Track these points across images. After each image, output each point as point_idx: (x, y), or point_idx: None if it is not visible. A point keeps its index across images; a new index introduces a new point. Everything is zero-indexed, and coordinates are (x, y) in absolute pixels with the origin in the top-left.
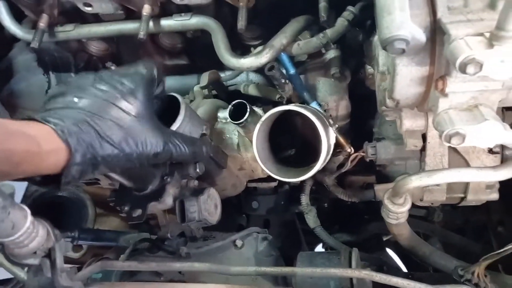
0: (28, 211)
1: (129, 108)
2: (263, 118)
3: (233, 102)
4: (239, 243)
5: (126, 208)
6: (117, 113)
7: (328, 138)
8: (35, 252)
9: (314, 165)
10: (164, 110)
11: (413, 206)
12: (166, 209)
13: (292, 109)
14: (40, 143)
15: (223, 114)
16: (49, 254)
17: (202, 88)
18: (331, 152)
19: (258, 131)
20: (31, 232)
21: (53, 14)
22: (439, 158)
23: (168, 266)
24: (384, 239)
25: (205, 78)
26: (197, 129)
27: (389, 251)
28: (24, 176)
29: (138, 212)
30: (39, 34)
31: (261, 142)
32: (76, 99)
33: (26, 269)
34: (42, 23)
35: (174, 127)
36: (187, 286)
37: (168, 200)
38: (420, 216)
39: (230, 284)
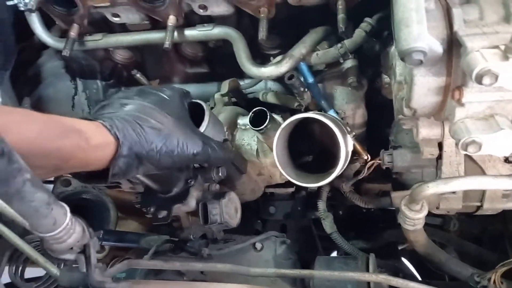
0: (68, 209)
1: (170, 112)
2: (283, 125)
3: (254, 109)
4: (258, 246)
5: (152, 210)
6: (160, 115)
7: (346, 145)
8: (71, 248)
9: (332, 171)
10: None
11: (429, 214)
12: (190, 211)
13: (312, 116)
14: (89, 138)
15: (243, 121)
16: (84, 250)
17: (223, 95)
18: (348, 158)
19: (278, 137)
20: (69, 229)
21: (83, 24)
22: (455, 167)
23: (191, 266)
24: (400, 248)
25: (225, 86)
26: (219, 135)
27: (404, 260)
28: (72, 171)
29: (164, 213)
30: (70, 43)
31: (280, 148)
32: (122, 106)
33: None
34: (73, 32)
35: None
36: (209, 285)
37: (191, 202)
38: (436, 225)
39: (250, 284)
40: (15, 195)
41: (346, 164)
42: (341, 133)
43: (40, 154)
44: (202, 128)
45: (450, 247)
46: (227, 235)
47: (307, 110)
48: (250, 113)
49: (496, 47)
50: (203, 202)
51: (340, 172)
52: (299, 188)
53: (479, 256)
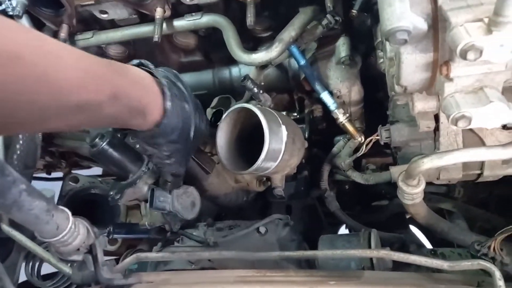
0: (69, 213)
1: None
2: (223, 116)
3: (214, 109)
4: (262, 230)
5: (112, 193)
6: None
7: (275, 134)
8: (78, 249)
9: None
10: None
11: (433, 184)
12: (143, 197)
13: (244, 106)
14: (148, 115)
15: None
16: (90, 250)
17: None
18: (283, 148)
19: (220, 129)
20: (73, 232)
21: (72, 23)
22: (453, 137)
23: (198, 255)
24: (407, 216)
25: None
26: None
27: (413, 228)
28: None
29: (117, 196)
30: None
31: (225, 140)
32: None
33: (69, 264)
34: (63, 33)
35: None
36: (217, 272)
37: (143, 187)
38: (441, 193)
39: (256, 268)
40: (13, 206)
41: (281, 155)
42: (269, 123)
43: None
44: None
45: (457, 213)
46: (232, 221)
47: (302, 90)
48: (212, 110)
49: (481, 20)
50: (152, 188)
51: (263, 162)
52: (300, 169)
53: (487, 221)
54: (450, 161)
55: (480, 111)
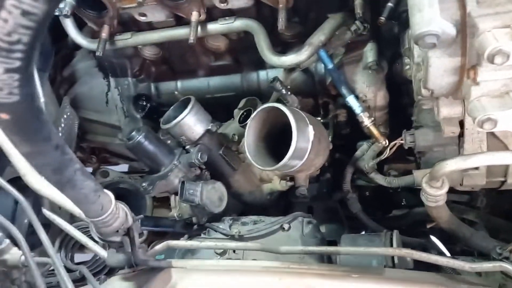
0: (112, 196)
1: None
2: (252, 115)
3: (244, 109)
4: (286, 226)
5: (144, 184)
6: None
7: (303, 133)
8: (117, 231)
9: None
10: None
11: (455, 191)
12: (173, 189)
13: (274, 105)
14: None
15: None
16: (128, 233)
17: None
18: (309, 147)
19: (249, 127)
20: (114, 213)
21: (113, 25)
22: (477, 144)
23: (225, 245)
24: (428, 226)
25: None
26: (202, 124)
27: (433, 238)
28: None
29: (150, 188)
30: (102, 43)
31: (253, 138)
32: None
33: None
34: (104, 33)
35: (179, 117)
36: (243, 262)
37: (174, 180)
38: (464, 202)
39: (280, 261)
40: (68, 183)
41: (307, 153)
42: (297, 122)
43: None
44: (184, 114)
45: (480, 223)
46: (256, 217)
47: (328, 95)
48: (240, 112)
49: (508, 26)
50: (183, 180)
51: (290, 159)
52: (323, 170)
53: (510, 232)
54: (474, 163)
55: (505, 114)
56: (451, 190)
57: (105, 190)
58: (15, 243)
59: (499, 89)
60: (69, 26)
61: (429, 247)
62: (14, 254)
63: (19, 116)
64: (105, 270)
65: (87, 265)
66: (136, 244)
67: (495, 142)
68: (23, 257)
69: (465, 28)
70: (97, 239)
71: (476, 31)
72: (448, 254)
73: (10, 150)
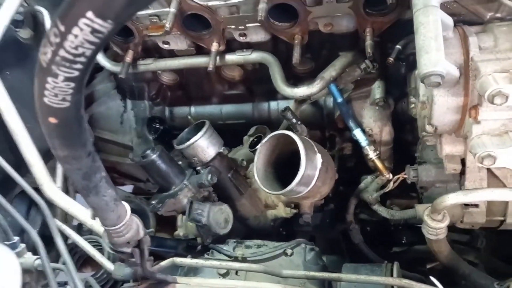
0: (128, 207)
1: None
2: (263, 141)
3: (254, 136)
4: (289, 251)
5: (153, 202)
6: None
7: (310, 160)
8: (128, 242)
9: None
10: None
11: (456, 230)
12: (181, 209)
13: (284, 133)
14: None
15: None
16: (138, 245)
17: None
18: (316, 175)
19: (259, 152)
20: (128, 224)
21: (137, 50)
22: (478, 182)
23: (229, 265)
24: (428, 266)
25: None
26: (214, 147)
27: (433, 279)
28: None
29: (159, 205)
30: (126, 67)
31: (263, 163)
32: None
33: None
34: (128, 57)
35: (194, 138)
36: (246, 283)
37: (182, 200)
38: (464, 242)
39: (282, 285)
40: (93, 189)
41: (314, 180)
42: (306, 149)
43: None
44: (197, 136)
45: (479, 264)
46: (260, 241)
47: (334, 128)
48: (251, 138)
49: (507, 71)
50: (191, 200)
51: (297, 184)
52: (327, 201)
53: (510, 274)
54: (475, 198)
55: (504, 152)
56: (452, 229)
57: (123, 202)
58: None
59: (498, 128)
60: None
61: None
62: (28, 259)
63: (65, 121)
64: (108, 284)
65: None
66: (146, 256)
67: (495, 181)
68: (36, 262)
69: (468, 71)
70: (108, 249)
71: (478, 74)
72: None
73: (31, 160)
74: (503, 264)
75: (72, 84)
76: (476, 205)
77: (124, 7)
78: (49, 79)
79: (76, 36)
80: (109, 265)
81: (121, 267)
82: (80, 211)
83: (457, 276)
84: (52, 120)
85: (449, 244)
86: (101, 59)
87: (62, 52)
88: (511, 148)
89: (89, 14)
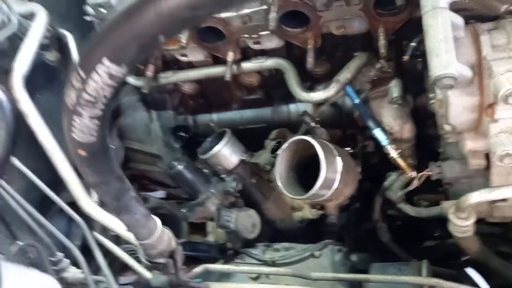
0: (159, 221)
1: None
2: (283, 147)
3: (275, 140)
4: (317, 253)
5: (184, 211)
6: None
7: (330, 163)
8: (161, 253)
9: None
10: None
11: (488, 223)
12: (210, 215)
13: (303, 138)
14: None
15: None
16: (171, 255)
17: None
18: (337, 178)
19: (280, 157)
20: (160, 237)
21: (157, 64)
22: (504, 177)
23: (259, 270)
24: (463, 259)
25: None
26: (237, 155)
27: (471, 270)
28: None
29: (189, 213)
30: (148, 80)
31: (284, 168)
32: None
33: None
34: (150, 72)
35: (216, 148)
36: (276, 287)
37: (210, 207)
38: (497, 234)
39: (311, 287)
40: (123, 209)
41: (336, 183)
42: (325, 153)
43: None
44: (220, 145)
45: None
46: (288, 244)
47: (355, 127)
48: (272, 143)
49: None
50: (219, 208)
51: (319, 188)
52: (353, 200)
53: None
54: (499, 195)
55: None
56: (484, 222)
57: (153, 216)
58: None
59: None
60: None
61: (461, 279)
62: (72, 273)
63: (93, 153)
64: None
65: (133, 284)
66: (179, 266)
67: None
68: (79, 275)
69: (481, 70)
70: (144, 260)
71: (491, 73)
72: (486, 286)
73: (67, 177)
74: None
75: (97, 122)
76: (504, 200)
77: (135, 54)
78: (76, 118)
79: (96, 81)
80: (146, 274)
81: (157, 275)
82: (116, 223)
83: (490, 270)
84: (81, 152)
85: (482, 237)
86: None
87: (85, 96)
88: None
89: (105, 61)
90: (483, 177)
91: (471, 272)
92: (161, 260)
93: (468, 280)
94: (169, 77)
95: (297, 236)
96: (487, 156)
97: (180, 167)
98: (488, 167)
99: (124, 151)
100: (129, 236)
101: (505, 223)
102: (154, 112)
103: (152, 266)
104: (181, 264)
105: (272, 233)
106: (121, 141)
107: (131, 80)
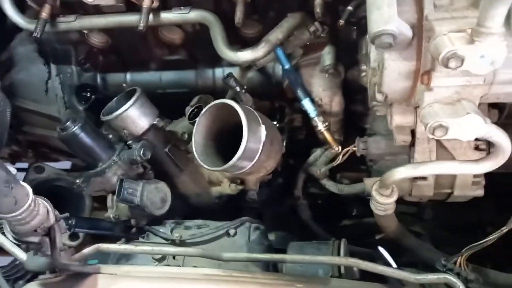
0: (30, 189)
1: None
2: (202, 111)
3: (195, 106)
4: (232, 231)
5: (78, 181)
6: None
7: (253, 132)
8: (35, 230)
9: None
10: None
11: (404, 202)
12: (111, 188)
13: (225, 102)
14: None
15: None
16: (48, 233)
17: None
18: (260, 148)
19: (199, 124)
20: (32, 210)
21: (55, 5)
22: (427, 154)
23: (163, 250)
24: (377, 237)
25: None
26: (147, 117)
27: (381, 248)
28: None
29: (84, 185)
30: (41, 24)
31: (201, 136)
32: None
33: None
34: (44, 13)
35: (123, 108)
36: (181, 269)
37: (111, 178)
38: (411, 213)
39: (222, 269)
40: None
41: (258, 154)
42: (249, 120)
43: None
44: (127, 105)
45: (425, 235)
46: (201, 221)
47: (284, 98)
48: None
49: (464, 31)
50: (121, 178)
51: (239, 159)
52: (276, 175)
53: (454, 246)
54: (424, 172)
55: (456, 122)
56: (400, 201)
57: (22, 183)
58: None
59: (451, 96)
60: (6, 2)
61: (376, 258)
62: None
63: None
64: (27, 275)
65: (4, 269)
66: (57, 246)
67: (444, 153)
68: None
69: (421, 31)
70: (11, 238)
71: (432, 34)
72: (394, 264)
73: None
74: (449, 234)
75: None
76: (425, 178)
77: None
78: None
79: None
80: (21, 255)
81: (34, 257)
82: None
83: (404, 250)
84: None
85: (397, 216)
86: (12, 14)
87: None
88: (463, 118)
89: None
90: (407, 155)
91: (382, 250)
92: (34, 239)
93: (381, 258)
94: (70, 23)
95: (214, 213)
96: (413, 133)
97: (75, 128)
98: (413, 144)
99: (13, 109)
100: None
101: (418, 203)
102: (54, 66)
103: (25, 246)
104: (61, 243)
105: (187, 209)
106: (12, 99)
107: (21, 21)
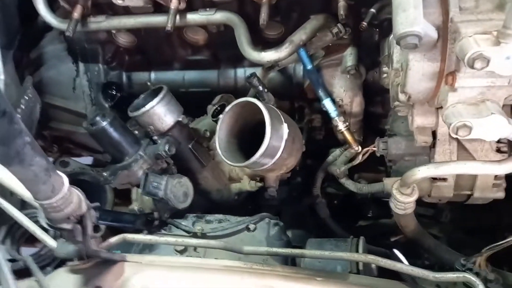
0: (66, 178)
1: None
2: (226, 109)
3: (218, 104)
4: (252, 226)
5: (105, 174)
6: None
7: (276, 130)
8: (68, 218)
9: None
10: None
11: (422, 204)
12: (136, 181)
13: (249, 100)
14: None
15: None
16: (80, 221)
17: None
18: (282, 146)
19: (222, 121)
20: (67, 198)
21: (86, 5)
22: (448, 155)
23: (186, 242)
24: (392, 239)
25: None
26: (173, 115)
27: (396, 251)
28: None
29: (111, 178)
30: (73, 23)
31: (225, 132)
32: None
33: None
34: (76, 13)
35: (150, 105)
36: (204, 260)
37: (137, 171)
38: (429, 216)
39: (243, 262)
40: (15, 157)
41: (280, 152)
42: (272, 118)
43: None
44: (154, 102)
45: (442, 238)
46: (222, 216)
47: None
48: (214, 106)
49: (489, 33)
50: (146, 172)
51: (261, 156)
52: (294, 174)
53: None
54: (446, 171)
55: (480, 122)
56: (417, 203)
57: (59, 172)
58: None
59: (475, 97)
60: (40, 2)
61: (392, 258)
62: None
63: None
64: (55, 262)
65: (34, 256)
66: (89, 233)
67: (464, 154)
68: None
69: (446, 33)
70: (45, 225)
71: (458, 36)
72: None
73: None
74: (466, 237)
75: None
76: (445, 179)
77: None
78: None
79: None
80: (51, 242)
81: (64, 244)
82: (17, 182)
83: (422, 250)
84: None
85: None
86: (45, 14)
87: None
88: (487, 118)
89: None
90: (428, 156)
91: (396, 252)
92: (67, 226)
93: (397, 259)
94: (100, 23)
95: (233, 209)
96: (434, 134)
97: (104, 123)
98: (433, 146)
99: (41, 105)
100: (27, 194)
101: (436, 205)
102: (82, 64)
103: (58, 233)
104: (92, 231)
105: (207, 204)
106: (41, 96)
107: (54, 21)
